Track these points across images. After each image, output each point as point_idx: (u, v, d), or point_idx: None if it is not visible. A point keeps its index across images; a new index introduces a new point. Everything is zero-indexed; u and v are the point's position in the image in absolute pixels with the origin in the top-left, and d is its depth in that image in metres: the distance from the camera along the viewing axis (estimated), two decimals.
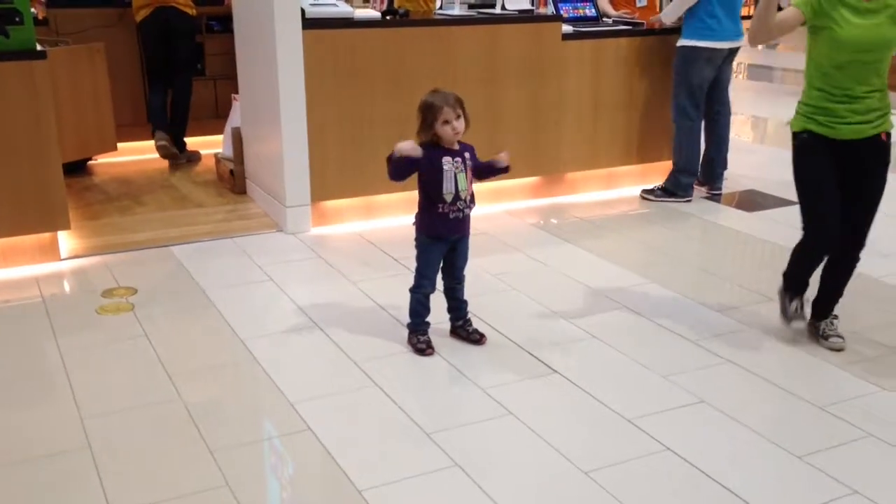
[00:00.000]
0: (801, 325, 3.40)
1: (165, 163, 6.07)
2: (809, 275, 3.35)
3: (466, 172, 3.14)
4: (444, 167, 3.09)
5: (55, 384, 3.06)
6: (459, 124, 3.07)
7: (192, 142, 6.26)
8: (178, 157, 6.12)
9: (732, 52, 5.26)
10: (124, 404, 2.93)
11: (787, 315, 3.41)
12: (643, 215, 5.18)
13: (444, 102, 3.03)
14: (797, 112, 3.22)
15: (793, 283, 3.37)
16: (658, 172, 5.62)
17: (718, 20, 5.06)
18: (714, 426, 2.81)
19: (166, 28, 5.83)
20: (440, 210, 3.13)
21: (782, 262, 3.40)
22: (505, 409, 2.88)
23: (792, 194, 5.30)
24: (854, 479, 2.51)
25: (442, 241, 3.20)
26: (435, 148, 3.10)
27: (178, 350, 3.32)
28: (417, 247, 3.25)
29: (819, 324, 3.36)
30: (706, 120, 5.36)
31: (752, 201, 5.40)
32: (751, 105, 9.34)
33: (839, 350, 3.27)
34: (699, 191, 5.46)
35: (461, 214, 3.16)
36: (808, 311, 3.40)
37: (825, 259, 3.29)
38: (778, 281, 3.42)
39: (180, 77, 6.07)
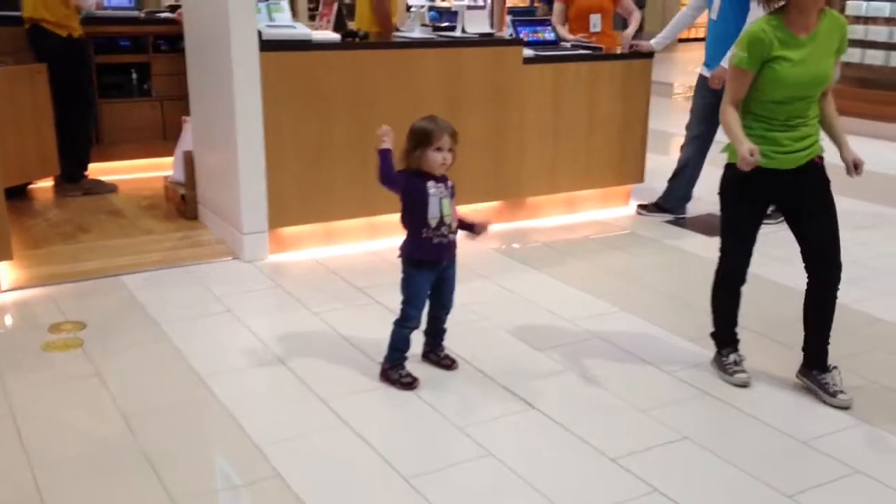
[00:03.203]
0: (746, 378, 3.23)
1: (111, 187, 5.80)
2: (734, 315, 3.33)
3: (451, 199, 3.09)
4: (430, 191, 3.02)
5: (0, 429, 2.84)
6: (450, 157, 3.02)
7: (137, 164, 6.02)
8: (71, 189, 5.60)
9: None
10: (76, 450, 2.73)
11: (728, 371, 3.27)
12: (605, 240, 5.13)
13: (443, 130, 2.99)
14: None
15: (722, 332, 3.36)
16: (618, 196, 5.59)
17: None
18: (700, 464, 2.73)
19: (34, 47, 5.35)
20: (424, 235, 3.05)
21: (745, 288, 3.31)
22: (485, 449, 2.76)
23: None
24: None
25: (428, 268, 3.11)
26: (418, 174, 3.04)
27: (133, 389, 3.14)
28: (404, 277, 3.15)
29: (822, 378, 3.15)
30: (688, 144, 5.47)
31: (711, 225, 5.39)
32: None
33: (846, 408, 3.06)
34: (663, 216, 5.46)
35: (445, 240, 3.08)
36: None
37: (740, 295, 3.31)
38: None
39: (58, 106, 5.34)
